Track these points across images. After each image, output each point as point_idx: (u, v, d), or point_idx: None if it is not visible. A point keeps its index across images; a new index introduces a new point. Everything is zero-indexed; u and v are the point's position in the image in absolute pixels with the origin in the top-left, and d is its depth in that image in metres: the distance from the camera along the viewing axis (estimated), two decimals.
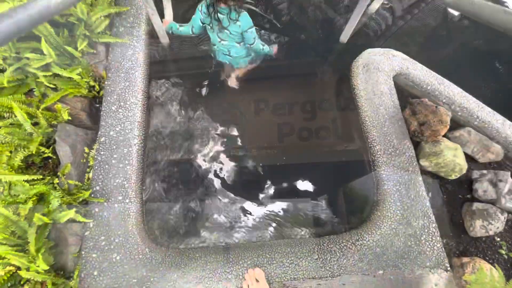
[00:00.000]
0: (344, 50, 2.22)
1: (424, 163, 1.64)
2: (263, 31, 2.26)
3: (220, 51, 1.90)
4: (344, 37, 2.16)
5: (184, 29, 1.90)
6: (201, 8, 1.72)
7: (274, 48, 2.04)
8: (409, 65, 1.90)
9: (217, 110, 1.97)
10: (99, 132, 1.62)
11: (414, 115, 1.68)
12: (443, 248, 1.46)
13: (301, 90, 2.10)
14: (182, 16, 2.24)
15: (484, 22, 0.93)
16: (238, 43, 1.80)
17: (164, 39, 2.04)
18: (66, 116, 1.50)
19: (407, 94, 1.94)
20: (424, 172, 1.67)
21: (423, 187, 1.58)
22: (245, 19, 1.65)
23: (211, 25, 1.74)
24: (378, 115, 1.76)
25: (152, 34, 2.05)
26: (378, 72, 1.87)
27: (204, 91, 2.04)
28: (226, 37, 1.76)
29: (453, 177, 1.60)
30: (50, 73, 1.51)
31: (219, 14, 1.62)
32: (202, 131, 1.90)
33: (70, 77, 1.58)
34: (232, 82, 2.09)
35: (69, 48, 1.58)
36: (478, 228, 1.50)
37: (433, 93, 1.84)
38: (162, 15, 2.06)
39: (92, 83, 1.73)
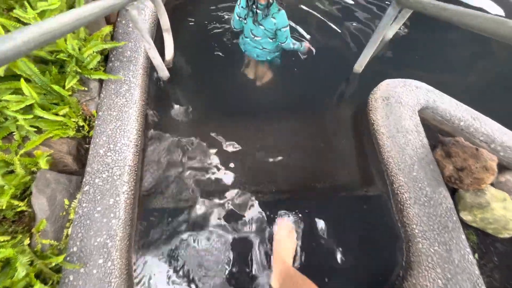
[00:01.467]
0: (359, 80, 2.03)
1: (466, 217, 1.35)
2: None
3: (251, 44, 1.90)
4: (359, 66, 1.97)
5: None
6: (240, 2, 1.72)
7: (305, 45, 1.96)
8: (435, 98, 1.68)
9: (218, 147, 1.76)
10: (83, 180, 1.42)
11: (449, 158, 1.42)
12: None
13: (311, 124, 1.89)
14: (183, 48, 2.13)
15: None
16: (271, 39, 1.81)
17: (163, 73, 1.90)
18: (44, 165, 1.32)
19: (435, 131, 1.69)
20: (466, 227, 1.38)
21: (468, 249, 1.28)
22: (281, 17, 1.66)
23: (246, 18, 1.75)
24: (405, 156, 1.52)
25: (151, 68, 1.93)
26: (401, 106, 1.65)
27: (204, 125, 1.85)
28: (260, 33, 1.77)
29: (505, 235, 1.30)
30: (31, 116, 1.36)
31: (257, 9, 1.64)
32: (202, 168, 1.68)
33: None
34: (260, 80, 2.10)
35: (56, 87, 1.44)
36: None
37: (467, 129, 1.58)
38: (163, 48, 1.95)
39: (81, 123, 1.57)
